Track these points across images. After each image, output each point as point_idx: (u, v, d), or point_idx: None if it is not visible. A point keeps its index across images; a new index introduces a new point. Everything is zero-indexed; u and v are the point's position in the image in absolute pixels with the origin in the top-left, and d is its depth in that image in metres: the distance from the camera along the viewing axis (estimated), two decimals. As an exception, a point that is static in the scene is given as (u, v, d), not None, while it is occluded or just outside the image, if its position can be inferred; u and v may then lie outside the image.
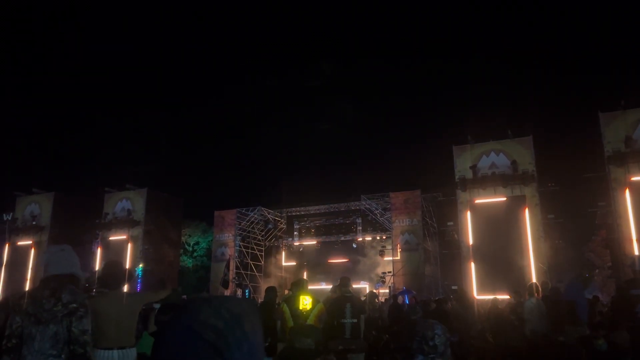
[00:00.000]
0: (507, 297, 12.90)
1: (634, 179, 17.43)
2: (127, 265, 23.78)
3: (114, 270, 4.56)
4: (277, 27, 61.87)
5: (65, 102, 54.80)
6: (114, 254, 23.96)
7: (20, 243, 27.20)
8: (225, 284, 22.77)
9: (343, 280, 7.65)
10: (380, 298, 16.36)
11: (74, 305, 3.09)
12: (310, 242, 27.58)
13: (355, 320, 6.80)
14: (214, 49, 61.45)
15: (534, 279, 16.83)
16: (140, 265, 24.81)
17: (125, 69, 58.64)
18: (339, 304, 7.03)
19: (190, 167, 55.71)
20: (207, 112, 59.09)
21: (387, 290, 21.06)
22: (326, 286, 19.45)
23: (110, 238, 26.31)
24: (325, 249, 27.12)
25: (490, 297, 14.13)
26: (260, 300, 13.16)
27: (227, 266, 23.87)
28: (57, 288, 3.09)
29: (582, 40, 47.47)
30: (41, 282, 3.19)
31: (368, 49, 59.21)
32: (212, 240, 28.82)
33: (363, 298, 12.43)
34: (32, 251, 26.16)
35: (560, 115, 41.66)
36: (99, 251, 26.07)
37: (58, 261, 3.18)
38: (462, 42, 54.41)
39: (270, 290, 8.40)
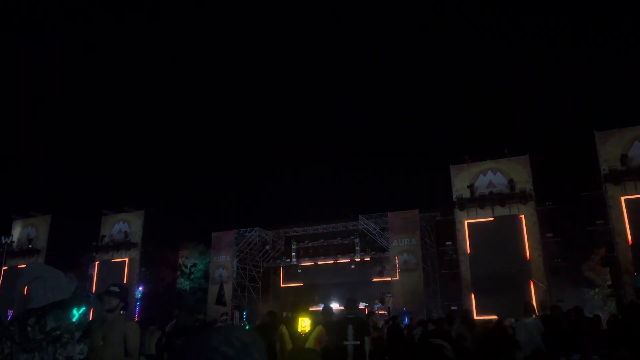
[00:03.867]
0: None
1: (631, 196, 17.47)
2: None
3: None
4: (278, 54, 62.57)
5: (62, 123, 55.00)
6: (110, 277, 23.77)
7: (15, 266, 26.90)
8: (221, 301, 22.55)
9: (348, 301, 7.57)
10: (380, 322, 16.07)
11: (58, 332, 3.04)
12: (309, 262, 27.37)
13: (358, 342, 6.70)
14: (216, 66, 62.01)
15: (533, 298, 16.74)
16: (140, 288, 24.64)
17: (125, 83, 59.06)
18: (341, 325, 6.93)
19: (188, 188, 55.66)
20: (205, 129, 59.34)
21: (386, 312, 20.83)
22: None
23: (107, 260, 26.13)
24: (324, 270, 26.91)
25: (490, 316, 14.00)
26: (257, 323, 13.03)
27: (221, 287, 23.76)
28: (42, 315, 3.05)
29: (579, 59, 48.09)
30: (26, 311, 3.15)
31: (367, 63, 59.83)
32: (209, 261, 28.60)
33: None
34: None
35: (556, 133, 41.92)
36: (95, 274, 25.86)
37: (36, 293, 3.13)
38: (459, 60, 55.07)
39: (270, 314, 8.39)
